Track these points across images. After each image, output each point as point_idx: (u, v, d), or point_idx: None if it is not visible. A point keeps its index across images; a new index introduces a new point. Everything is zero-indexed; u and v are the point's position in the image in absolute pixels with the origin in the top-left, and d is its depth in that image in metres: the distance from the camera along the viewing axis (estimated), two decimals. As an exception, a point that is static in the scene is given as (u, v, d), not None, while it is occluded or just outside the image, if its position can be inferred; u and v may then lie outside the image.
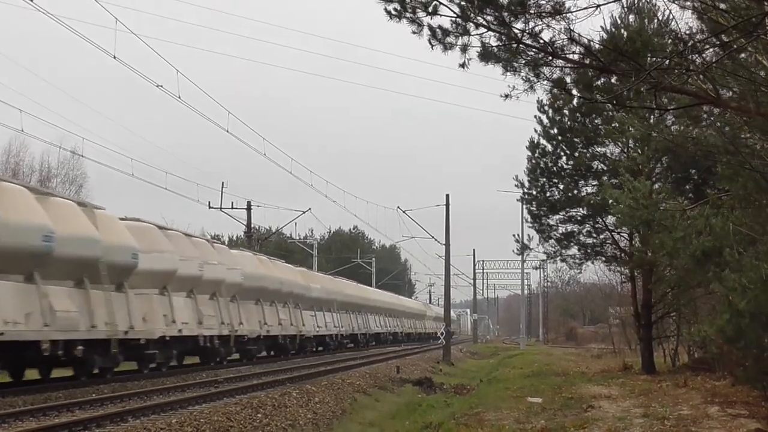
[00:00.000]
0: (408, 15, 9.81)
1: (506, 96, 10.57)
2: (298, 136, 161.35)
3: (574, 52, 9.90)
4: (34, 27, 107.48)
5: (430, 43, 9.94)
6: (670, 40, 10.76)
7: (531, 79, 10.25)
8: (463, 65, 10.13)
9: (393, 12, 9.84)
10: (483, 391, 24.64)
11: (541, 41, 9.72)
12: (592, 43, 9.94)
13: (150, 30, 75.52)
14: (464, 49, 9.95)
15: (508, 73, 10.22)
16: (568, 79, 10.59)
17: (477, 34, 9.83)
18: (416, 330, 76.60)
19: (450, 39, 9.86)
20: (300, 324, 36.58)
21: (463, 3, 9.58)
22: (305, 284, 38.92)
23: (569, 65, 10.25)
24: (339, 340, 44.88)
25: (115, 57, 22.13)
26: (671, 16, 11.23)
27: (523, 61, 10.04)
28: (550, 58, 9.95)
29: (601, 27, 10.54)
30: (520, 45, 9.83)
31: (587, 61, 10.08)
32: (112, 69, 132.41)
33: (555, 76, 10.42)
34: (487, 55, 9.99)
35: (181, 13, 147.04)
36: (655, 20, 12.23)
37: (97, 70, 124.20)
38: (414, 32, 9.92)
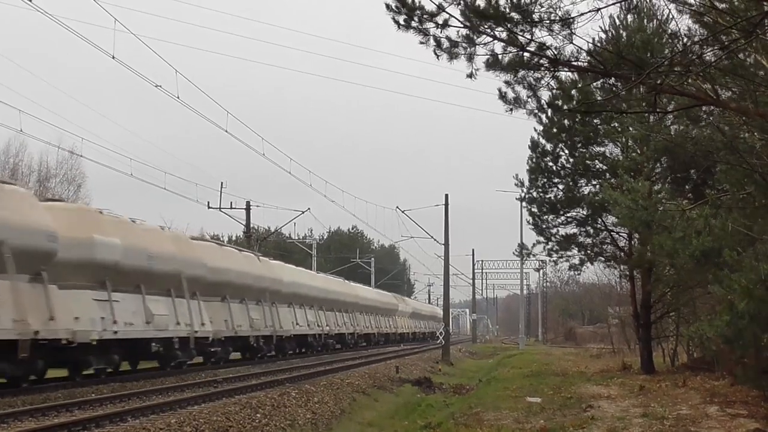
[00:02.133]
0: (415, 26, 9.89)
1: (512, 99, 10.61)
2: (295, 135, 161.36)
3: (578, 60, 9.94)
4: (32, 27, 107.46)
5: (435, 53, 10.02)
6: (669, 40, 10.77)
7: (534, 86, 10.30)
8: (470, 75, 10.22)
9: (402, 23, 9.92)
10: (482, 391, 24.64)
11: (546, 50, 9.76)
12: (593, 47, 9.98)
13: (149, 30, 75.64)
14: (470, 58, 10.01)
15: (514, 85, 10.30)
16: (567, 82, 10.64)
17: (482, 44, 9.88)
18: (381, 329, 57.47)
19: (457, 49, 9.93)
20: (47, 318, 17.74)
21: (468, 13, 9.62)
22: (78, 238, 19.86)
23: (573, 71, 10.29)
24: (210, 347, 27.00)
25: (113, 57, 22.12)
26: (671, 16, 11.24)
27: (530, 71, 10.09)
28: (555, 65, 9.99)
29: (600, 28, 10.57)
30: (525, 53, 9.87)
31: (589, 66, 10.12)
32: (111, 69, 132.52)
33: (554, 85, 10.49)
34: (493, 64, 10.05)
35: (180, 13, 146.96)
36: (655, 20, 12.23)
37: (95, 70, 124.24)
38: (421, 42, 10.02)
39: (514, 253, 33.70)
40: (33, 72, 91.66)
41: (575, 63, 9.93)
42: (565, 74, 10.73)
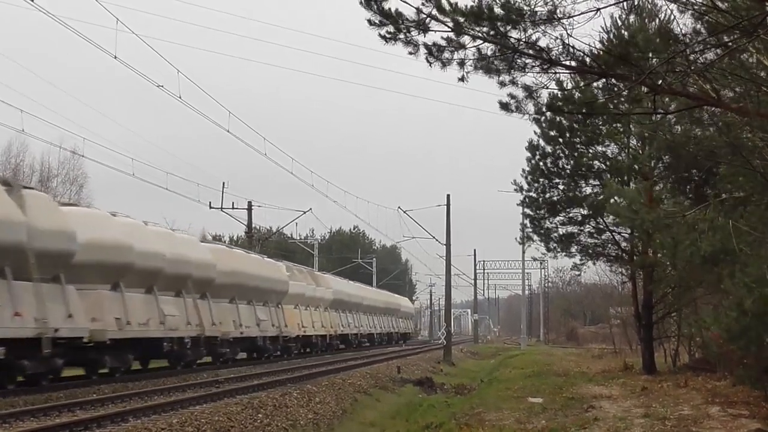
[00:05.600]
0: (402, 37, 9.83)
1: (504, 105, 10.58)
2: (298, 136, 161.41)
3: (572, 59, 9.91)
4: (34, 27, 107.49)
5: (428, 61, 9.97)
6: (671, 40, 10.76)
7: (529, 88, 10.27)
8: (462, 79, 10.14)
9: (387, 35, 9.86)
10: (484, 391, 24.64)
11: (538, 49, 9.73)
12: (591, 47, 9.96)
13: (150, 30, 75.75)
14: (461, 63, 9.97)
15: (507, 87, 10.28)
16: (566, 84, 10.63)
17: (473, 46, 9.85)
18: (224, 331, 27.65)
19: (446, 55, 9.89)
20: None
21: (457, 17, 9.59)
22: None
23: (568, 71, 10.26)
24: None
25: (115, 57, 22.12)
26: (672, 17, 11.23)
27: (521, 72, 10.06)
28: (548, 65, 9.95)
29: (602, 27, 10.54)
30: (517, 54, 9.84)
31: (586, 67, 10.10)
32: (113, 69, 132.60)
33: (551, 87, 10.47)
34: (483, 67, 10.01)
35: (182, 13, 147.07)
36: (656, 20, 12.22)
37: (97, 70, 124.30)
38: (411, 53, 9.97)
39: (516, 239, 33.38)
40: (35, 72, 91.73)
41: (569, 63, 9.90)
42: (565, 76, 10.71)
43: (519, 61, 9.88)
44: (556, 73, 10.16)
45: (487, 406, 18.01)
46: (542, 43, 9.70)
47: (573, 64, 9.97)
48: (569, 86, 10.84)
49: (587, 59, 9.89)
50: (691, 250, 14.77)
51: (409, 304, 77.40)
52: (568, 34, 9.45)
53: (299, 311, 37.87)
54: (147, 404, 15.66)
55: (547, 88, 10.39)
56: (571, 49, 9.66)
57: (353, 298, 49.68)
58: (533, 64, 9.93)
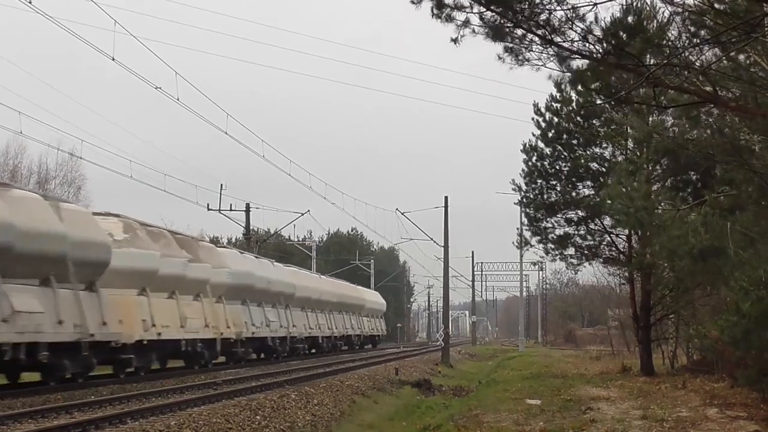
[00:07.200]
0: None
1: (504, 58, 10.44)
2: (295, 137, 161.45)
3: (576, 35, 9.87)
4: (32, 29, 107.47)
5: (432, 11, 9.89)
6: (669, 42, 10.76)
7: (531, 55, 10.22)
8: (455, 40, 10.02)
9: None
10: (482, 392, 24.63)
11: (543, 22, 9.72)
12: (592, 28, 9.97)
13: (149, 32, 75.69)
14: (466, 23, 9.90)
15: (506, 56, 10.21)
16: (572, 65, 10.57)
17: (477, 13, 9.81)
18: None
19: (451, 12, 9.84)
20: None
21: None
22: None
23: (570, 53, 10.22)
24: None
25: (113, 59, 22.10)
26: (672, 19, 11.22)
27: (526, 43, 10.02)
28: (552, 37, 9.92)
29: (601, 28, 10.53)
30: (521, 27, 9.82)
31: (589, 47, 10.08)
32: (111, 71, 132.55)
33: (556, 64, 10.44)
34: (491, 32, 9.91)
35: (180, 15, 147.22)
36: (655, 21, 12.22)
37: (95, 72, 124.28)
38: (412, 2, 9.90)
39: (513, 243, 33.34)
40: (32, 73, 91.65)
41: (573, 36, 9.88)
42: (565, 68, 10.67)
43: (520, 34, 9.87)
44: (558, 48, 10.12)
45: (485, 407, 18.00)
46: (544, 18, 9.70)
47: (573, 46, 9.96)
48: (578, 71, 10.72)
49: (588, 37, 9.90)
50: (683, 246, 14.75)
51: (379, 299, 60.54)
52: (569, 18, 9.45)
53: (147, 300, 23.02)
54: (145, 406, 15.62)
55: (547, 67, 10.37)
56: (578, 18, 9.66)
57: (276, 286, 33.51)
58: (534, 39, 9.91)
